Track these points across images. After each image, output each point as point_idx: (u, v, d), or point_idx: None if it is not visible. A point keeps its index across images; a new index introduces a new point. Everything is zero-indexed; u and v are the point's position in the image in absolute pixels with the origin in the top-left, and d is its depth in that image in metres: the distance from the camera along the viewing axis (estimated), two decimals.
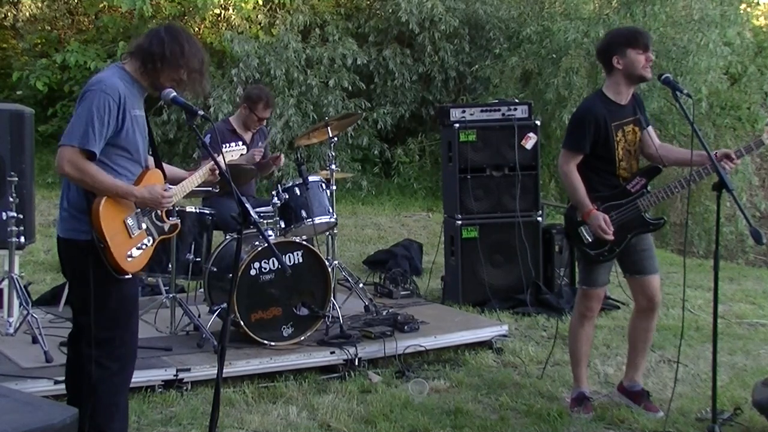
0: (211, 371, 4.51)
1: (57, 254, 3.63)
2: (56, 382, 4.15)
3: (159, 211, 3.59)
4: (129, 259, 3.44)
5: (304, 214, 5.44)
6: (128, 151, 3.45)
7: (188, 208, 5.44)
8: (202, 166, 4.04)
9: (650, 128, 4.46)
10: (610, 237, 4.24)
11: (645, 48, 4.21)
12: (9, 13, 13.93)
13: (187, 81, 3.52)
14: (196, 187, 4.08)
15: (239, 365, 4.75)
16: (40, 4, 13.65)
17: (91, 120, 3.30)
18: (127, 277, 3.47)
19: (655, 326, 4.57)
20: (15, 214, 5.03)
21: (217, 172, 3.92)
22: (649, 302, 4.44)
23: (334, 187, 5.91)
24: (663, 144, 4.57)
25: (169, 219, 3.68)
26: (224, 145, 4.49)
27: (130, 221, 3.46)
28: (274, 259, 4.97)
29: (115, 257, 3.37)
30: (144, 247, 3.51)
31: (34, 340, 4.79)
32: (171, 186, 3.76)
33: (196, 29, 13.64)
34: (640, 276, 4.42)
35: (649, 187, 4.33)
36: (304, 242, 5.27)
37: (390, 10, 12.68)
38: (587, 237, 4.34)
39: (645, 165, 4.48)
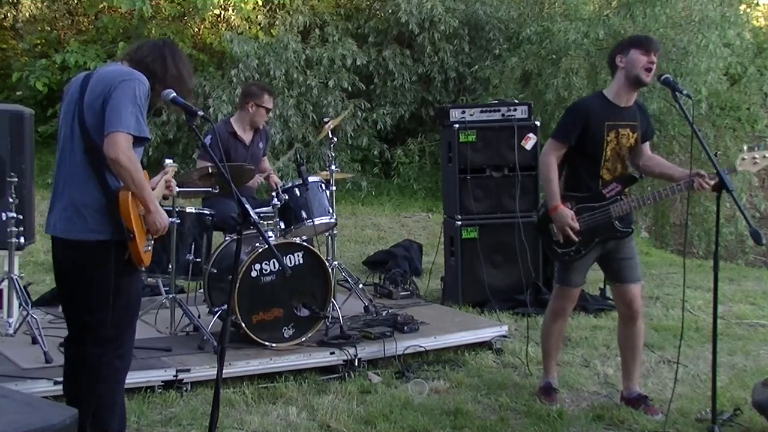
0: (210, 372, 4.51)
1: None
2: (56, 383, 4.14)
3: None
4: (146, 251, 3.48)
5: (304, 214, 5.44)
6: (142, 142, 3.44)
7: (188, 209, 5.45)
8: (160, 176, 3.89)
9: (647, 143, 4.49)
10: (574, 236, 4.28)
11: (647, 50, 4.22)
12: (9, 14, 13.92)
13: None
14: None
15: (239, 366, 4.75)
16: (39, 5, 13.64)
17: (139, 108, 3.33)
18: (141, 269, 3.52)
19: (642, 333, 4.56)
20: (15, 215, 5.03)
21: (172, 186, 3.83)
22: (628, 309, 4.46)
23: (334, 188, 5.92)
24: (653, 156, 4.57)
25: None
26: (166, 161, 4.27)
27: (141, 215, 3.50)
28: (275, 260, 4.98)
29: (138, 248, 3.40)
30: (151, 242, 3.55)
31: (34, 341, 4.80)
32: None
33: (196, 30, 13.66)
34: (620, 284, 4.45)
35: (623, 195, 4.34)
36: (305, 243, 5.27)
37: (390, 11, 12.67)
38: (555, 234, 4.36)
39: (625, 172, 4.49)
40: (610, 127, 4.30)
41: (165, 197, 4.02)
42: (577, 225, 4.28)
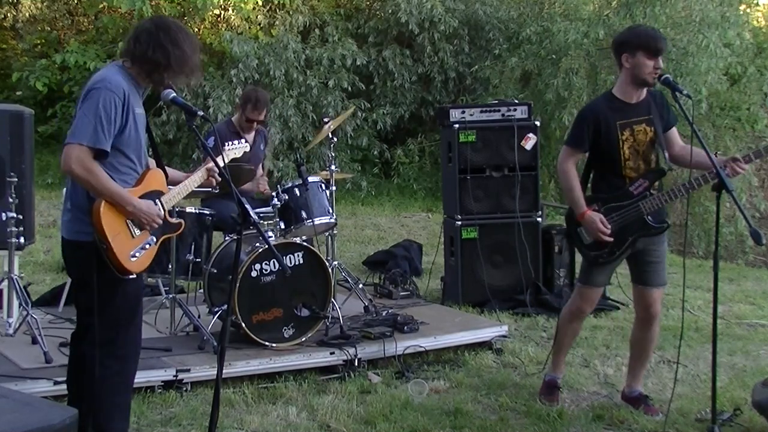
0: (210, 372, 4.51)
1: (57, 255, 3.66)
2: (56, 383, 4.16)
3: (161, 211, 3.59)
4: (132, 259, 3.45)
5: (304, 214, 5.44)
6: (130, 151, 3.45)
7: (188, 209, 5.44)
8: (201, 166, 4.04)
9: (673, 129, 4.38)
10: (608, 238, 4.22)
11: (655, 54, 4.14)
12: (9, 14, 13.93)
13: (188, 78, 3.56)
14: (195, 188, 4.07)
15: (239, 366, 4.75)
16: (39, 5, 13.65)
17: (99, 118, 3.31)
18: (131, 277, 3.48)
19: (656, 337, 4.54)
20: (15, 215, 5.03)
21: (216, 174, 3.92)
22: (645, 312, 4.43)
23: (334, 188, 5.92)
24: (686, 146, 4.40)
25: (171, 218, 3.68)
26: (228, 143, 4.50)
27: (131, 222, 3.46)
28: (275, 260, 4.98)
29: (118, 258, 3.37)
30: (147, 246, 3.53)
31: (34, 341, 4.79)
32: (171, 186, 3.77)
33: (196, 30, 13.64)
34: (642, 287, 4.41)
35: (653, 190, 4.27)
36: (305, 243, 5.27)
37: (390, 11, 12.68)
38: (586, 238, 4.32)
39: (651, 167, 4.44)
40: (623, 125, 4.23)
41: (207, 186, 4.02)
42: (608, 228, 4.23)
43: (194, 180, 3.89)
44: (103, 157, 3.36)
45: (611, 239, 4.23)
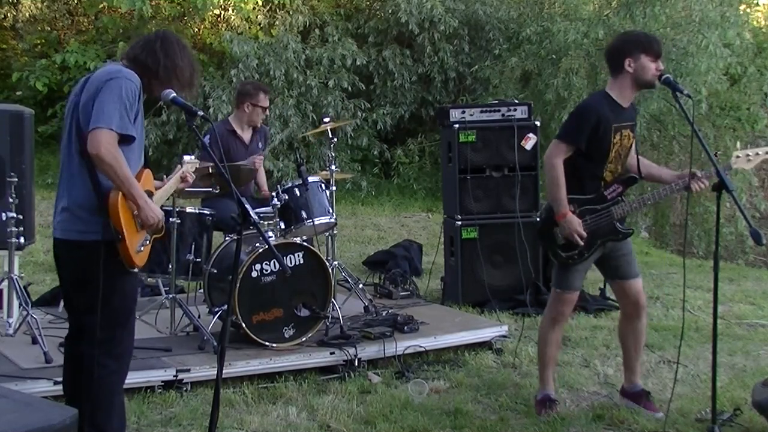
0: (210, 372, 4.51)
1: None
2: (56, 383, 4.15)
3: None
4: (138, 252, 3.49)
5: (304, 214, 5.44)
6: (135, 143, 3.46)
7: (188, 209, 5.45)
8: (174, 173, 4.02)
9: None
10: (581, 242, 4.23)
11: (657, 56, 4.19)
12: (9, 14, 13.92)
13: (177, 90, 3.58)
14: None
15: (239, 366, 4.75)
16: (39, 5, 13.64)
17: (123, 105, 3.34)
18: (135, 270, 3.52)
19: (645, 327, 4.54)
20: (15, 215, 5.03)
21: (188, 179, 3.97)
22: (634, 305, 4.43)
23: (334, 188, 5.92)
24: (642, 158, 4.50)
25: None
26: (185, 156, 4.45)
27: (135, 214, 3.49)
28: (275, 260, 4.98)
29: (129, 250, 3.40)
30: (146, 242, 3.56)
31: (34, 341, 4.80)
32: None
33: (196, 30, 13.66)
34: (622, 281, 4.42)
35: (623, 196, 4.30)
36: (305, 243, 5.27)
37: (390, 11, 12.67)
38: (560, 238, 4.30)
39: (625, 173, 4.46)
40: (617, 128, 4.25)
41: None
42: (584, 232, 4.23)
43: (167, 190, 3.91)
44: (129, 142, 3.38)
45: (582, 243, 4.25)
